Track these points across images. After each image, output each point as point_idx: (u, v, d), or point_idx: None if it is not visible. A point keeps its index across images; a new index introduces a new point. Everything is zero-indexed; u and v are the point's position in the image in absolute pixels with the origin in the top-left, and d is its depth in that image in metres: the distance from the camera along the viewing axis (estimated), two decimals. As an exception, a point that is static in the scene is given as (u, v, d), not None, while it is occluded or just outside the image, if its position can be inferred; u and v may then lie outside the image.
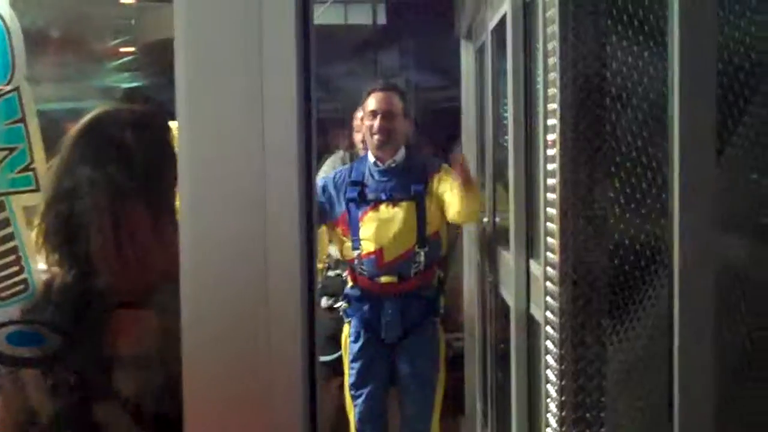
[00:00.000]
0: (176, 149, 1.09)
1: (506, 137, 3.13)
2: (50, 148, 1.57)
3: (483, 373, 4.44)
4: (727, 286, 1.68)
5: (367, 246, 3.79)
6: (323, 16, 5.11)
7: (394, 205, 3.77)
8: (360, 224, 3.80)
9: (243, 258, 1.07)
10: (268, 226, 1.06)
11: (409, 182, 3.79)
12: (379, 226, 3.76)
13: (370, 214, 3.79)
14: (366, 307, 3.86)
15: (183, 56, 1.09)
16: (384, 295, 3.82)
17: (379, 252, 3.76)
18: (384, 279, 3.80)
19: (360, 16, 5.62)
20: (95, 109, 1.72)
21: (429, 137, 6.55)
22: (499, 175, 3.66)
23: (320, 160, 5.34)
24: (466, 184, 3.63)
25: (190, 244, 1.09)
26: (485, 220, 4.13)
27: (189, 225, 1.09)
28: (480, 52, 4.35)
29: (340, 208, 3.85)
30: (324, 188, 3.88)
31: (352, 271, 3.91)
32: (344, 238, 3.89)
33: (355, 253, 3.85)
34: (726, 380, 1.67)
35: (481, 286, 4.38)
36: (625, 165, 1.82)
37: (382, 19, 5.81)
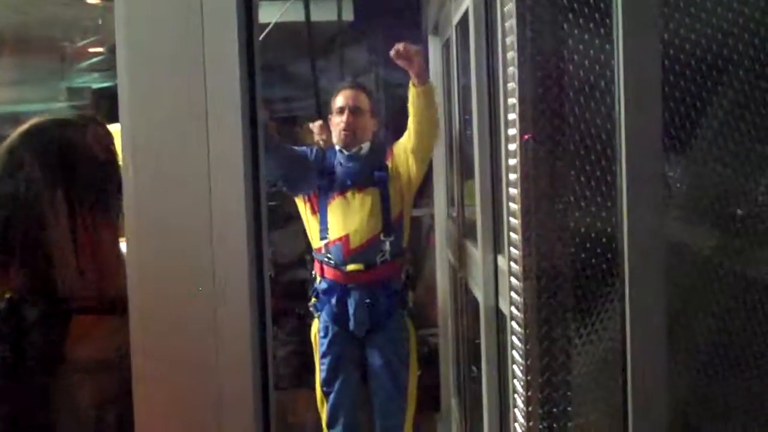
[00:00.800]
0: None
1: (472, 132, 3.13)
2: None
3: (457, 369, 4.43)
4: (678, 279, 1.69)
5: (334, 233, 3.83)
6: (287, 13, 5.09)
7: (359, 190, 3.86)
8: (327, 210, 3.85)
9: (190, 264, 1.05)
10: (214, 229, 1.05)
11: (372, 170, 3.88)
12: (345, 212, 3.85)
13: (337, 200, 3.87)
14: (333, 300, 3.88)
15: (124, 59, 1.07)
16: (351, 284, 3.85)
17: (345, 238, 3.82)
18: (350, 267, 3.84)
19: (325, 13, 5.60)
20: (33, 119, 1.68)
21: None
22: (468, 170, 3.65)
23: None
24: (419, 76, 3.72)
25: (136, 249, 1.07)
26: (453, 214, 4.13)
27: (135, 228, 1.07)
28: (446, 47, 4.34)
29: (313, 181, 3.92)
30: (309, 149, 4.05)
31: (320, 263, 3.92)
32: (312, 217, 3.96)
33: (323, 242, 3.88)
34: (678, 375, 1.67)
35: (452, 281, 4.37)
36: (586, 159, 1.81)
37: (347, 16, 5.79)
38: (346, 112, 3.92)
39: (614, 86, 1.65)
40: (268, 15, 5.06)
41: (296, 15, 5.29)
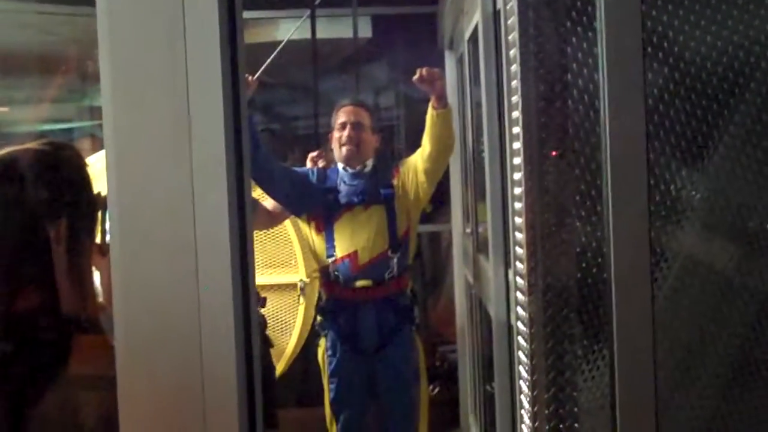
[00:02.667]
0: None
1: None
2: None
3: (474, 385, 4.41)
4: (667, 284, 1.67)
5: (342, 250, 3.83)
6: (300, 31, 5.11)
7: (366, 208, 3.87)
8: (334, 228, 3.84)
9: (174, 279, 1.05)
10: (198, 244, 1.05)
11: (378, 186, 3.88)
12: (353, 229, 3.84)
13: (344, 218, 3.86)
14: (342, 318, 3.87)
15: (108, 76, 1.07)
16: (360, 302, 3.85)
17: (353, 255, 3.81)
18: (359, 283, 3.83)
19: (341, 30, 5.62)
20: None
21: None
22: (482, 186, 3.64)
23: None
24: (440, 100, 3.70)
25: (121, 263, 1.07)
26: (468, 230, 4.12)
27: (119, 244, 1.07)
28: (459, 62, 4.34)
29: (316, 200, 3.89)
30: (310, 170, 4.03)
31: (327, 282, 3.92)
32: (317, 237, 3.94)
33: (330, 259, 3.88)
34: (666, 386, 1.65)
35: (468, 297, 4.36)
36: (592, 172, 1.80)
37: (363, 33, 5.81)
38: (348, 127, 3.92)
39: (599, 97, 1.64)
40: (283, 32, 5.09)
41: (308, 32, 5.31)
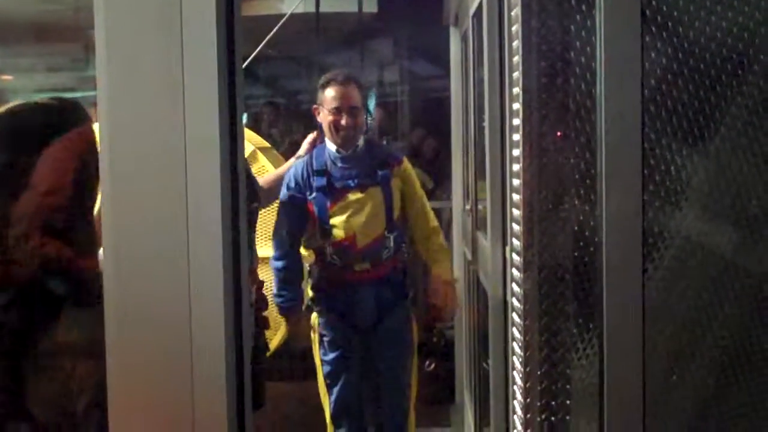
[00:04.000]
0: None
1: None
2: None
3: (471, 361, 4.42)
4: (659, 266, 1.67)
5: (339, 233, 3.80)
6: (304, 4, 5.08)
7: (362, 191, 3.81)
8: (330, 212, 3.81)
9: (165, 256, 1.05)
10: (190, 223, 1.04)
11: (372, 168, 3.83)
12: (350, 213, 3.79)
13: (340, 202, 3.81)
14: (339, 299, 3.86)
15: (103, 53, 1.07)
16: (357, 283, 3.83)
17: (351, 238, 3.78)
18: (358, 267, 3.81)
19: (347, 4, 5.59)
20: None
21: (424, 127, 6.54)
22: (483, 164, 3.64)
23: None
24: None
25: (113, 241, 1.07)
26: (467, 207, 4.11)
27: (111, 222, 1.07)
28: (464, 38, 4.33)
29: (310, 196, 3.87)
30: (288, 186, 3.90)
31: (322, 262, 3.90)
32: (312, 219, 3.91)
33: (326, 242, 3.85)
34: (655, 368, 1.66)
35: (465, 274, 4.36)
36: (590, 150, 1.79)
37: (369, 7, 5.78)
38: (345, 114, 3.80)
39: (597, 72, 1.63)
40: (287, 4, 5.06)
41: (314, 6, 5.28)
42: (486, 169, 3.02)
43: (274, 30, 4.69)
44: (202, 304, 1.04)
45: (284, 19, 4.78)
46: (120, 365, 1.06)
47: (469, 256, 4.04)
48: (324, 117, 3.83)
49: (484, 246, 3.18)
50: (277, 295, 3.89)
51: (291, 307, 3.88)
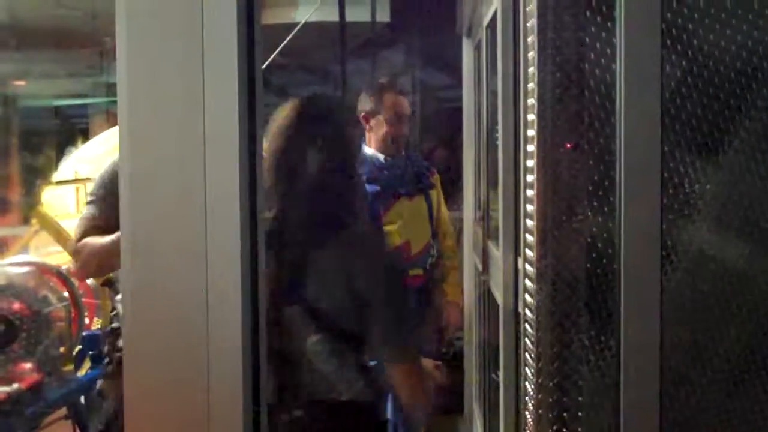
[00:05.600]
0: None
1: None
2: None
3: (480, 372, 4.41)
4: (677, 278, 1.67)
5: (394, 240, 3.81)
6: (317, 13, 5.09)
7: (410, 198, 3.84)
8: (385, 218, 3.82)
9: (184, 259, 1.06)
10: (208, 227, 1.05)
11: (416, 176, 3.86)
12: (403, 219, 3.81)
13: (394, 208, 3.82)
14: None
15: (125, 60, 1.07)
16: (411, 288, 3.85)
17: (406, 245, 3.80)
18: (412, 272, 3.84)
19: (359, 14, 5.60)
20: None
21: (434, 137, 6.55)
22: (495, 174, 3.64)
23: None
24: None
25: (132, 248, 1.07)
26: (479, 217, 4.11)
27: (130, 225, 1.07)
28: (477, 49, 4.33)
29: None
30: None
31: None
32: None
33: None
34: (671, 379, 1.66)
35: (476, 284, 4.35)
36: (604, 161, 1.79)
37: (381, 17, 5.80)
38: (403, 122, 3.88)
39: (615, 87, 1.64)
40: (301, 13, 5.08)
41: (329, 14, 5.29)
42: (498, 180, 3.02)
43: (288, 38, 4.71)
44: (219, 305, 1.04)
45: (297, 28, 4.80)
46: (137, 364, 1.07)
47: (480, 267, 4.04)
48: (378, 124, 3.82)
49: (496, 256, 3.17)
50: None
51: None
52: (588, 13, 1.81)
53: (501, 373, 2.81)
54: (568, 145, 1.84)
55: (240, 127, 1.06)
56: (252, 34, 1.10)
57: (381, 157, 3.86)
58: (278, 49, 4.74)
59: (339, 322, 2.33)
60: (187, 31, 1.05)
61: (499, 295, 2.99)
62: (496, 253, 3.18)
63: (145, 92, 1.07)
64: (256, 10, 1.11)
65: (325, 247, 2.27)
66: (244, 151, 1.06)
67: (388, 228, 3.81)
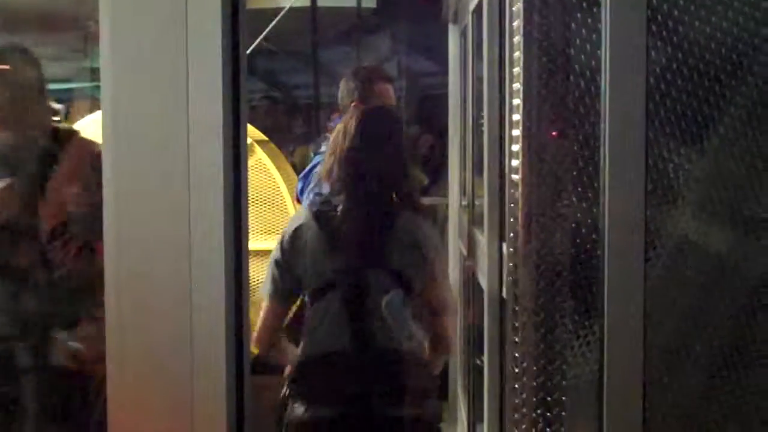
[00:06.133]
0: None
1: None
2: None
3: (464, 358, 4.43)
4: (661, 264, 1.67)
5: None
6: (301, -1, 5.08)
7: None
8: None
9: (167, 244, 1.05)
10: (192, 212, 1.05)
11: None
12: None
13: None
14: None
15: (108, 43, 1.07)
16: None
17: None
18: None
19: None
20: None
21: (420, 123, 6.55)
22: (481, 158, 3.64)
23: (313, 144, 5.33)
24: None
25: (114, 241, 1.07)
26: (464, 203, 4.12)
27: (113, 211, 1.07)
28: (463, 35, 4.33)
29: None
30: None
31: None
32: None
33: None
34: (655, 364, 1.66)
35: (461, 270, 4.36)
36: (590, 147, 1.79)
37: (367, 2, 5.77)
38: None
39: (600, 71, 1.64)
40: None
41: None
42: (483, 166, 3.02)
43: (273, 23, 4.69)
44: (203, 293, 1.04)
45: (282, 13, 4.78)
46: (120, 356, 1.06)
47: (465, 252, 4.04)
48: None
49: (481, 242, 3.18)
50: None
51: None
52: (575, -3, 1.81)
53: (485, 358, 2.82)
54: (558, 130, 1.84)
55: (224, 113, 1.05)
56: (237, 18, 1.09)
57: None
58: (263, 35, 4.72)
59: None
60: (171, 15, 1.05)
61: (483, 280, 3.00)
62: (481, 238, 3.18)
63: (128, 77, 1.06)
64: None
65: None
66: (228, 137, 1.06)
67: None
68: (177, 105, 1.04)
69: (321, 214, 2.92)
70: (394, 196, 2.98)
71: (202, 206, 1.03)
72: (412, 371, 2.97)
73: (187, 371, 1.04)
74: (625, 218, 1.58)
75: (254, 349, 3.77)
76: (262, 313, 3.08)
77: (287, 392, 3.02)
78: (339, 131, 2.95)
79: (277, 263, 2.97)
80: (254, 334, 3.12)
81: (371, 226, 2.94)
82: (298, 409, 2.88)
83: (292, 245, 2.94)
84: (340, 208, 2.90)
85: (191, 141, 1.04)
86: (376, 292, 2.88)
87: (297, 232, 2.96)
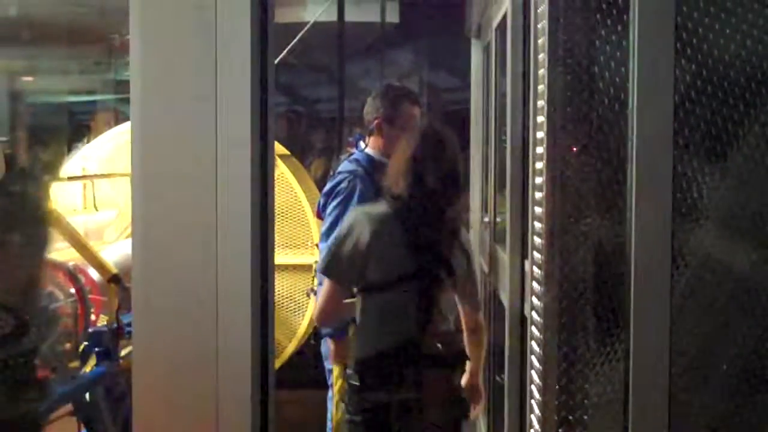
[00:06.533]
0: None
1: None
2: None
3: (484, 374, 4.40)
4: (686, 282, 1.66)
5: None
6: (326, 13, 5.09)
7: None
8: None
9: (194, 255, 1.06)
10: (219, 223, 1.05)
11: None
12: None
13: None
14: None
15: (138, 55, 1.07)
16: None
17: None
18: None
19: (368, 14, 5.60)
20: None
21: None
22: (503, 174, 3.63)
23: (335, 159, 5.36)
24: None
25: (142, 240, 1.07)
26: (486, 220, 4.11)
27: (140, 222, 1.07)
28: (486, 50, 4.33)
29: None
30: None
31: None
32: None
33: None
34: (681, 379, 1.65)
35: (483, 287, 4.35)
36: (613, 165, 1.79)
37: (391, 17, 5.79)
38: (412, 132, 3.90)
39: (629, 91, 1.63)
40: (310, 13, 5.08)
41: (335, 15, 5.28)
42: (506, 182, 3.02)
43: (297, 38, 4.71)
44: (229, 302, 1.04)
45: (307, 27, 4.80)
46: (147, 363, 1.07)
47: (486, 269, 4.03)
48: (392, 131, 3.73)
49: (502, 259, 3.17)
50: None
51: None
52: (599, 16, 1.81)
53: (506, 375, 2.81)
54: (582, 148, 1.84)
55: (252, 127, 1.06)
56: (265, 32, 1.10)
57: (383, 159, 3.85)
58: (287, 49, 4.74)
59: None
60: (200, 29, 1.05)
61: (505, 298, 2.99)
62: (503, 255, 3.18)
63: (157, 90, 1.07)
64: (270, 9, 1.11)
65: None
66: (256, 148, 1.06)
67: None
68: (206, 119, 1.05)
69: (397, 212, 3.12)
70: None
71: (229, 218, 1.04)
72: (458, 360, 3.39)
73: (212, 388, 1.04)
74: (652, 237, 1.58)
75: (316, 323, 3.92)
76: (324, 290, 3.24)
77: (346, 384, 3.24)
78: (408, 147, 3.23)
79: (350, 246, 3.09)
80: (315, 311, 3.53)
81: (438, 229, 3.15)
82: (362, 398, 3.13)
83: (373, 235, 3.07)
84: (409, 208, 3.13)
85: (219, 154, 1.04)
86: (436, 287, 3.15)
87: (377, 225, 3.10)
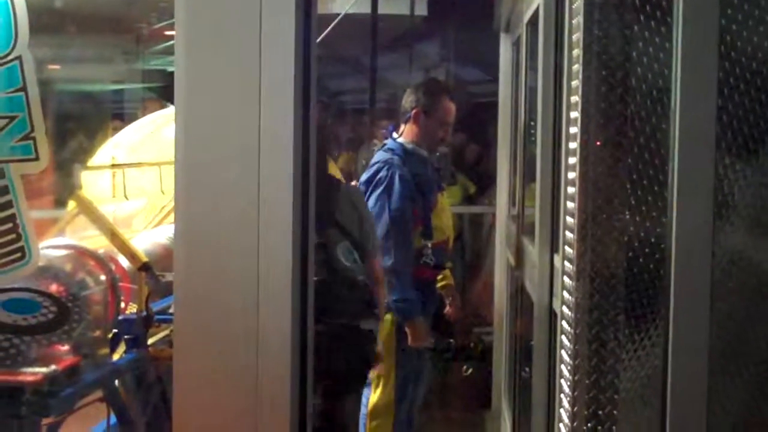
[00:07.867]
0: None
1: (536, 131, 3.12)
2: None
3: (509, 368, 4.41)
4: (725, 281, 1.66)
5: (438, 235, 3.89)
6: (356, 5, 5.10)
7: (441, 194, 3.98)
8: (432, 214, 3.88)
9: (236, 250, 1.07)
10: (261, 217, 1.06)
11: (437, 172, 3.97)
12: (443, 215, 3.95)
13: (439, 203, 3.93)
14: (428, 298, 3.95)
15: (182, 47, 1.09)
16: (434, 284, 3.96)
17: (446, 241, 3.92)
18: (447, 265, 3.97)
19: (398, 7, 5.60)
20: None
21: (468, 132, 6.55)
22: (531, 171, 3.64)
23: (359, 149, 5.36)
24: None
25: (185, 234, 1.09)
26: (513, 213, 4.11)
27: (183, 217, 1.09)
28: (516, 45, 4.32)
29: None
30: (405, 193, 3.86)
31: (416, 263, 3.91)
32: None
33: (428, 242, 3.90)
34: (720, 376, 1.65)
35: (509, 281, 4.35)
36: (646, 161, 1.79)
37: (420, 10, 5.79)
38: (450, 128, 4.06)
39: (672, 88, 1.63)
40: (339, 5, 5.09)
41: (367, 7, 5.29)
42: (535, 176, 3.02)
43: (328, 29, 4.71)
44: (270, 299, 1.06)
45: (337, 20, 4.81)
46: (187, 357, 1.09)
47: (513, 262, 4.04)
48: (430, 122, 3.91)
49: (530, 252, 3.17)
50: (406, 300, 3.84)
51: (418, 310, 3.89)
52: (634, 11, 1.81)
53: (534, 370, 2.82)
54: (611, 147, 1.84)
55: (295, 117, 1.07)
56: (309, 23, 1.11)
57: (424, 152, 3.94)
58: (317, 40, 4.73)
59: None
60: (244, 21, 1.07)
61: (533, 292, 2.99)
62: (531, 249, 3.18)
63: (202, 83, 1.08)
64: (313, 2, 1.12)
65: None
66: (298, 143, 1.07)
67: (435, 223, 3.89)
68: (249, 109, 1.06)
69: None
70: None
71: (271, 213, 1.05)
72: None
73: (253, 370, 1.06)
74: (692, 235, 1.58)
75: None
76: None
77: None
78: None
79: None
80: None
81: None
82: None
83: None
84: None
85: (262, 148, 1.06)
86: None
87: None
